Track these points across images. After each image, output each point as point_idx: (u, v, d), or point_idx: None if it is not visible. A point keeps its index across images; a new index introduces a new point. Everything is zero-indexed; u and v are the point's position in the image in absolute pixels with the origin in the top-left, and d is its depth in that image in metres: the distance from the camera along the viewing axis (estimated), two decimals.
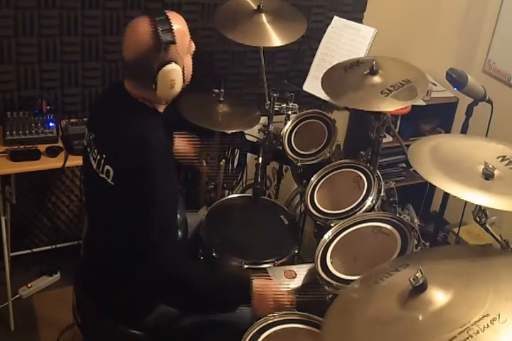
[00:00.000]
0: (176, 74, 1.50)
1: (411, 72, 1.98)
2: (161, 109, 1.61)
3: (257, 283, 1.59)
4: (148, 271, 1.58)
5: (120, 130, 1.54)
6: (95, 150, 1.59)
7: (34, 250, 2.80)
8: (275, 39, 2.37)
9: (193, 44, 1.60)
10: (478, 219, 1.43)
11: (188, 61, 1.58)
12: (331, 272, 1.64)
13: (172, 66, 1.48)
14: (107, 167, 1.53)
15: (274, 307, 1.58)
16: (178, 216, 1.74)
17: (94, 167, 1.58)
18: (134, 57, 1.50)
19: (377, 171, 2.08)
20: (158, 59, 1.46)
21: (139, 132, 1.50)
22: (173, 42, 1.47)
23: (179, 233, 1.75)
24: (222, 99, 2.48)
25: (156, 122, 1.56)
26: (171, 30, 1.47)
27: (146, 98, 1.56)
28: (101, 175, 1.55)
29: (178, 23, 1.52)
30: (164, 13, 1.50)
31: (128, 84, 1.57)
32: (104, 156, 1.55)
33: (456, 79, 2.09)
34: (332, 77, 2.07)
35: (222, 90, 2.47)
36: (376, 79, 1.95)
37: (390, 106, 1.85)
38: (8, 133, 2.31)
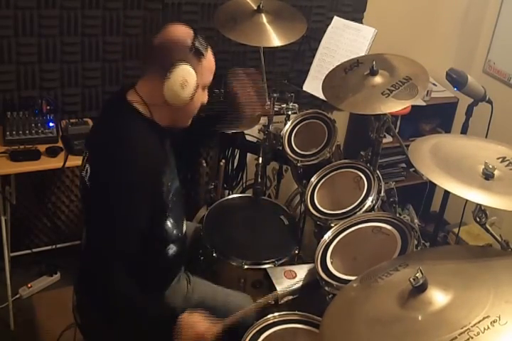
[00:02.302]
0: (192, 79, 1.49)
1: (411, 68, 1.97)
2: (162, 120, 1.56)
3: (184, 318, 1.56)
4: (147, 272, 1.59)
5: (106, 132, 1.55)
6: (86, 152, 1.63)
7: (34, 250, 2.80)
8: (275, 39, 2.37)
9: (206, 95, 1.61)
10: (478, 219, 1.43)
11: (198, 97, 1.56)
12: (331, 272, 1.64)
13: (191, 70, 1.49)
14: (87, 165, 1.55)
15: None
16: (175, 231, 1.69)
17: (81, 164, 1.61)
18: (164, 42, 1.51)
19: (377, 171, 2.08)
20: (184, 55, 1.48)
21: (123, 140, 1.48)
22: (203, 55, 1.51)
23: (174, 248, 1.71)
24: (222, 99, 2.48)
25: (149, 132, 1.52)
26: (206, 47, 1.53)
27: (147, 97, 1.52)
28: (82, 173, 1.57)
29: (212, 57, 1.57)
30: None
31: (141, 82, 1.56)
32: (86, 153, 1.58)
33: (456, 79, 2.09)
34: (333, 81, 2.07)
35: (222, 90, 2.46)
36: (376, 79, 1.94)
37: (392, 107, 1.85)
38: (8, 133, 2.31)
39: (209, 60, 1.55)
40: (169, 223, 1.65)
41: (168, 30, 1.53)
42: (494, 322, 1.03)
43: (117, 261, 1.48)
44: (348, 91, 1.95)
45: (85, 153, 1.61)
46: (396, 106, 1.84)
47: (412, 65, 1.99)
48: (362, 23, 2.92)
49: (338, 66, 2.13)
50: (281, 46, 2.42)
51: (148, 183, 1.48)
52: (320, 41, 2.60)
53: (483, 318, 1.04)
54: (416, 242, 1.61)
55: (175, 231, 1.69)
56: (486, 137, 2.23)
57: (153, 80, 1.51)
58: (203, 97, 1.60)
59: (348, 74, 2.05)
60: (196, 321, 1.55)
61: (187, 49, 1.49)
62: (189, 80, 1.48)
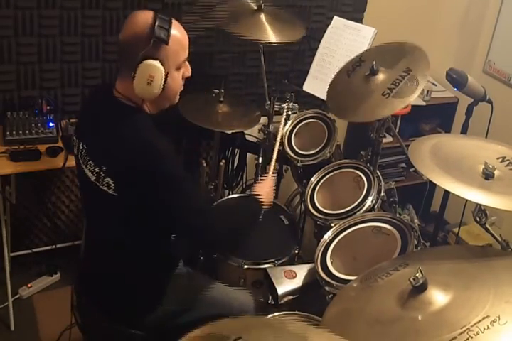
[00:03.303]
0: (157, 72, 1.47)
1: (410, 56, 1.98)
2: (151, 110, 1.59)
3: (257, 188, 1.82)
4: (148, 271, 1.59)
5: (111, 139, 1.51)
6: (90, 163, 1.56)
7: (34, 250, 2.80)
8: (275, 35, 2.35)
9: (189, 68, 1.59)
10: (478, 219, 1.43)
11: (177, 78, 1.55)
12: (331, 272, 1.64)
13: (155, 63, 1.46)
14: (107, 179, 1.51)
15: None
16: None
17: (93, 179, 1.55)
18: (125, 39, 1.50)
19: (377, 171, 2.08)
20: (145, 50, 1.45)
21: (134, 138, 1.48)
22: (165, 42, 1.46)
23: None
24: (222, 99, 2.48)
25: (147, 123, 1.54)
26: (168, 30, 1.47)
27: (128, 95, 1.53)
28: (101, 187, 1.53)
29: (180, 34, 1.52)
30: (171, 17, 1.51)
31: (118, 77, 1.56)
32: (103, 169, 1.52)
33: (456, 79, 2.09)
34: (336, 89, 2.06)
35: (223, 90, 2.46)
36: (377, 78, 1.94)
37: (392, 108, 1.84)
38: (8, 133, 2.30)
39: (176, 39, 1.50)
40: None
41: (128, 24, 1.50)
42: (494, 321, 1.03)
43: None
44: (352, 100, 1.94)
45: (98, 168, 1.53)
46: (397, 106, 1.84)
47: (412, 49, 2.01)
48: (362, 23, 2.91)
49: (341, 70, 2.12)
50: (281, 46, 2.42)
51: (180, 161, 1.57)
52: (320, 41, 2.59)
53: (483, 318, 1.05)
54: (416, 242, 1.61)
55: None
56: (486, 137, 2.23)
57: (125, 79, 1.52)
58: (186, 72, 1.58)
59: (351, 78, 2.04)
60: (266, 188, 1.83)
61: (146, 42, 1.45)
62: (155, 74, 1.46)
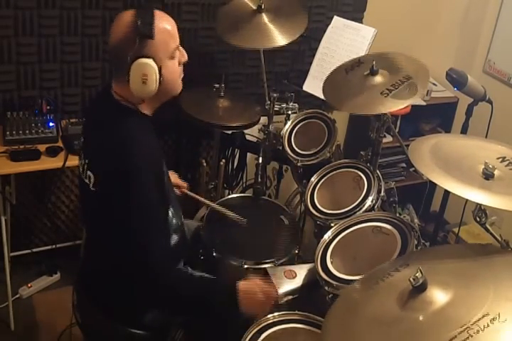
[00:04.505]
0: (150, 69, 1.45)
1: (412, 66, 1.96)
2: (147, 110, 1.57)
3: (242, 285, 1.54)
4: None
5: (101, 135, 1.53)
6: (82, 156, 1.61)
7: (34, 250, 2.80)
8: (278, 39, 2.35)
9: (184, 53, 1.56)
10: (478, 219, 1.42)
11: (173, 67, 1.53)
12: (331, 272, 1.64)
13: (146, 60, 1.44)
14: (88, 172, 1.53)
15: (262, 306, 1.55)
16: (174, 220, 1.72)
17: (81, 171, 1.59)
18: (113, 44, 1.49)
19: (377, 171, 2.08)
20: (133, 51, 1.44)
21: (119, 136, 1.48)
22: (150, 37, 1.44)
23: (175, 238, 1.72)
24: (222, 93, 2.48)
25: (140, 125, 1.52)
26: (150, 24, 1.44)
27: (127, 97, 1.52)
28: (85, 180, 1.55)
29: (165, 23, 1.49)
30: (152, 9, 1.48)
31: (113, 80, 1.56)
32: (86, 161, 1.56)
33: (456, 79, 2.09)
34: (333, 82, 2.06)
35: (223, 85, 2.46)
36: (376, 79, 1.94)
37: (390, 107, 1.85)
38: (8, 133, 2.31)
39: (162, 30, 1.46)
40: (170, 213, 1.66)
41: (112, 27, 1.49)
42: (494, 319, 1.03)
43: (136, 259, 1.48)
44: (349, 93, 1.95)
45: (84, 160, 1.57)
46: (395, 105, 1.84)
47: (413, 62, 1.99)
48: (362, 22, 2.92)
49: (339, 66, 2.13)
50: (282, 46, 2.41)
51: (159, 172, 1.52)
52: (320, 41, 2.60)
53: (483, 316, 1.04)
54: (416, 242, 1.60)
55: (174, 220, 1.70)
56: (486, 137, 2.24)
57: (120, 82, 1.51)
58: (182, 58, 1.56)
59: (349, 75, 2.04)
60: (254, 291, 1.54)
61: (132, 42, 1.43)
62: (148, 72, 1.45)
